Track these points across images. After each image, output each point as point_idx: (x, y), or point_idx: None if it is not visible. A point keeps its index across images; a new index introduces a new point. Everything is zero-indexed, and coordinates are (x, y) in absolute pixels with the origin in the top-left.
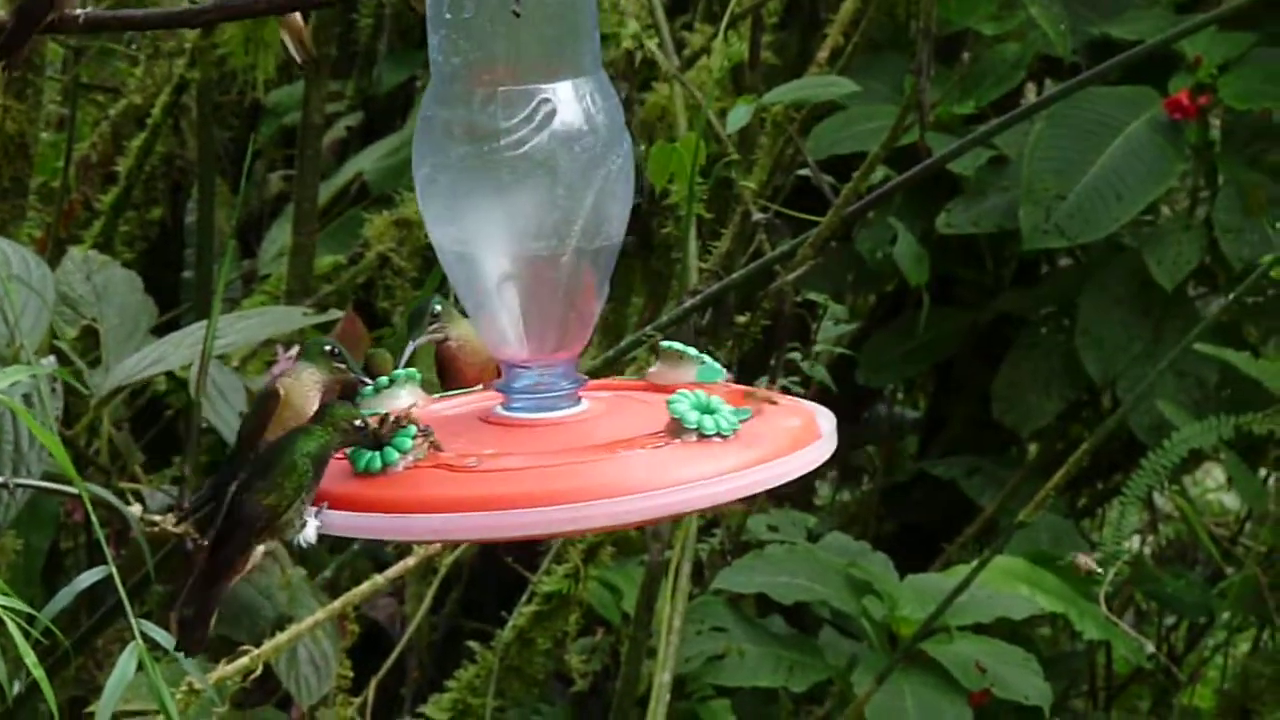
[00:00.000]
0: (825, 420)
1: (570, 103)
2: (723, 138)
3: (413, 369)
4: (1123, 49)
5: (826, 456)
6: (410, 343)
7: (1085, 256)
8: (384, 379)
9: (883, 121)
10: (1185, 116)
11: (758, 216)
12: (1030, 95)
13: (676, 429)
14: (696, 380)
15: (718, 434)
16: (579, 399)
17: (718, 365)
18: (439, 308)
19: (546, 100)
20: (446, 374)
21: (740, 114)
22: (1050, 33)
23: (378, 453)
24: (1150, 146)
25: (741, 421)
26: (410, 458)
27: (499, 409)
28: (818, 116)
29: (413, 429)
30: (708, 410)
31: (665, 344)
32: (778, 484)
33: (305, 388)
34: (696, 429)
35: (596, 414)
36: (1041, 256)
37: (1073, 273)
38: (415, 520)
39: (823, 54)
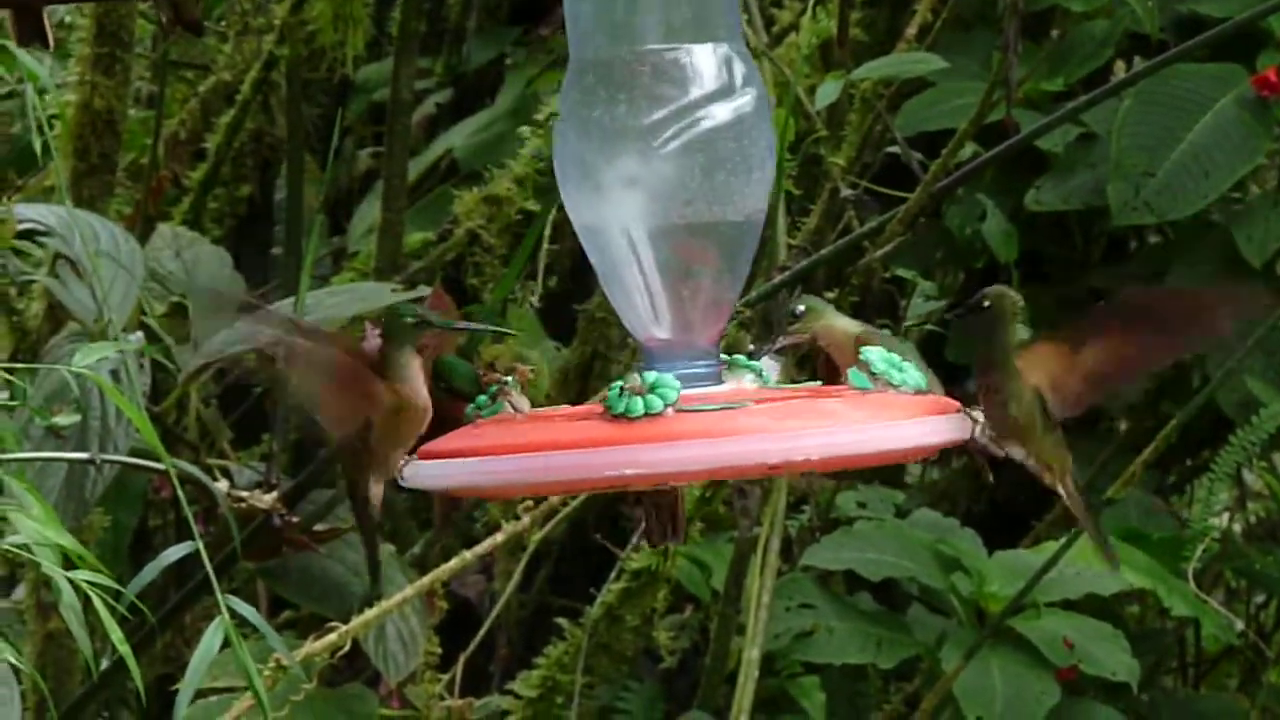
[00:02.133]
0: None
1: (701, 69)
2: (811, 114)
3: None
4: (1211, 26)
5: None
6: (771, 342)
7: (1174, 233)
8: (484, 397)
9: (971, 98)
10: (1273, 93)
11: (846, 193)
12: (1119, 72)
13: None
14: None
15: (625, 414)
16: (720, 379)
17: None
18: (801, 308)
19: (675, 66)
20: (825, 371)
21: (829, 90)
22: (1138, 9)
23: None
24: (1238, 123)
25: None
26: (483, 414)
27: None
28: (906, 93)
29: (494, 389)
30: (654, 388)
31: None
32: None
33: (411, 376)
34: (608, 408)
35: (718, 395)
36: (1130, 233)
37: (1161, 249)
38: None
39: (911, 30)
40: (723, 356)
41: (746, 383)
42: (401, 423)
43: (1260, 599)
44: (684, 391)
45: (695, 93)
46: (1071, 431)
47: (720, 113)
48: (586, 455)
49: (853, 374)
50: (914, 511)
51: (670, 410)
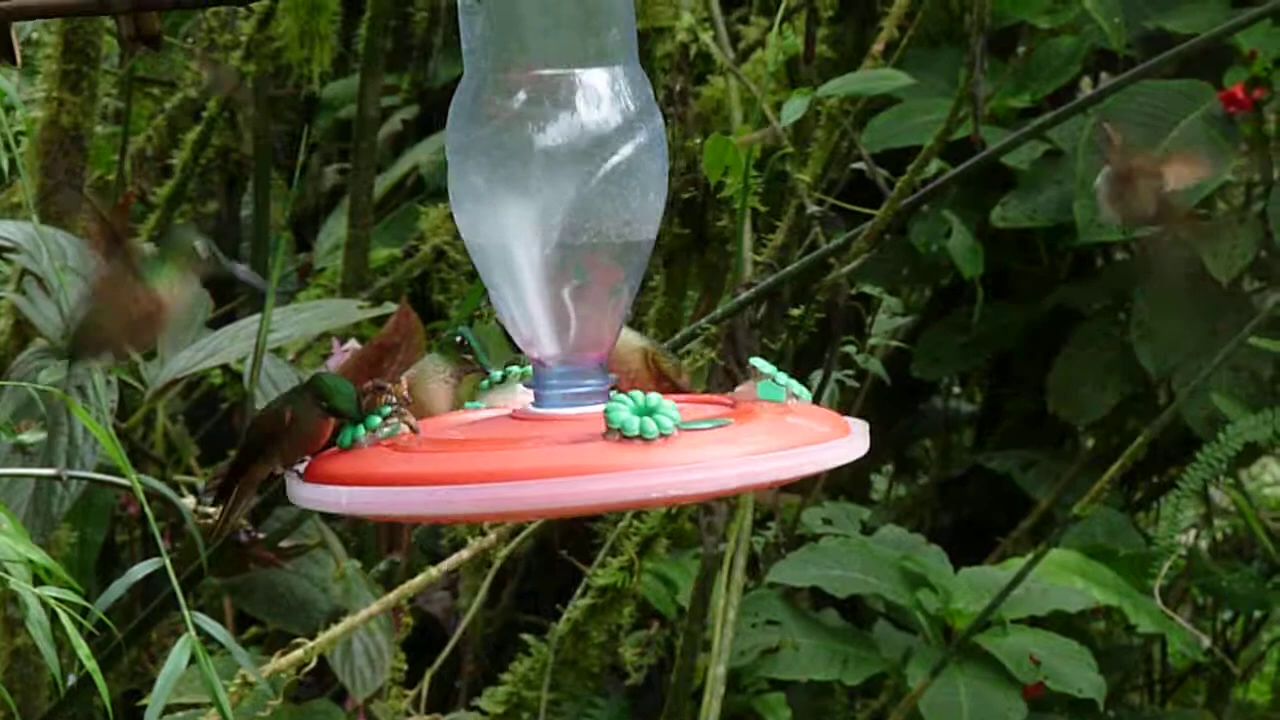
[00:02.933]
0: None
1: (595, 92)
2: (777, 131)
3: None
4: (1178, 42)
5: (731, 480)
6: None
7: (1140, 250)
8: (499, 373)
9: (938, 115)
10: (1240, 110)
11: (812, 210)
12: (1085, 89)
13: (607, 429)
14: (758, 396)
15: (639, 436)
16: (608, 397)
17: (780, 386)
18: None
19: (562, 88)
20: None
21: (795, 107)
22: (1105, 26)
23: (352, 429)
24: (1205, 140)
25: (683, 429)
26: (378, 435)
27: (530, 405)
28: (873, 110)
29: (386, 409)
30: (646, 412)
31: (755, 362)
32: (667, 494)
33: (428, 379)
34: (620, 429)
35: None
36: (1097, 250)
37: (1128, 266)
38: (327, 491)
39: (878, 47)
40: (758, 364)
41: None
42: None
43: (1227, 616)
44: (554, 411)
45: (592, 115)
46: (1038, 448)
47: (616, 135)
48: (628, 479)
49: (763, 387)
50: (880, 528)
51: (677, 431)
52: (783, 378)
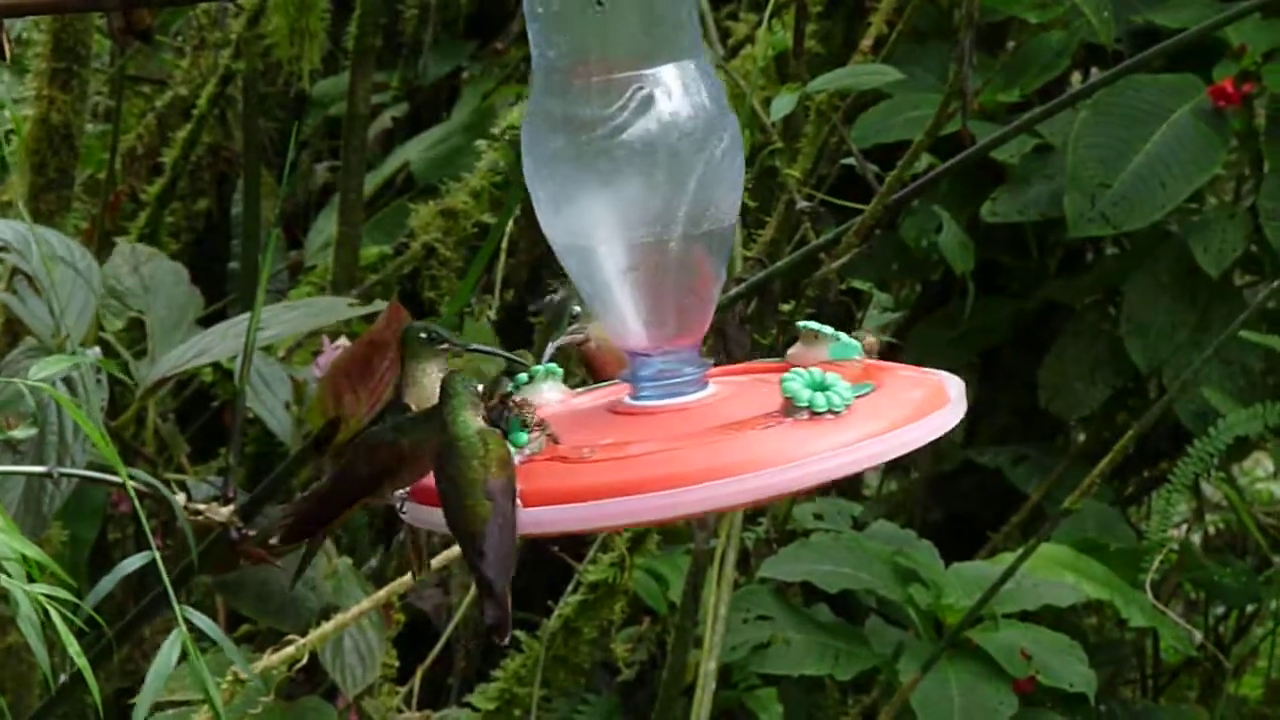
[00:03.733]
0: (954, 388)
1: (669, 87)
2: (767, 126)
3: (554, 364)
4: (1167, 36)
5: (950, 425)
6: (550, 343)
7: (1131, 244)
8: (524, 375)
9: (927, 110)
10: (1230, 104)
11: (802, 205)
12: (1075, 83)
13: (789, 408)
14: (830, 358)
15: (829, 410)
16: (706, 383)
17: (853, 342)
18: (578, 308)
19: (642, 87)
20: (589, 373)
21: (784, 102)
22: (1094, 20)
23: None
24: (1195, 134)
25: (859, 396)
26: (527, 451)
27: (627, 399)
28: (862, 105)
29: (529, 422)
30: (821, 387)
31: (803, 324)
32: (892, 456)
33: (427, 391)
34: (808, 406)
35: (723, 397)
36: (1087, 244)
37: (1118, 260)
38: (528, 514)
39: (867, 42)
40: (808, 325)
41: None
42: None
43: (1220, 610)
44: (657, 403)
45: (667, 110)
46: (1029, 443)
47: (693, 127)
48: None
49: (835, 348)
50: (871, 523)
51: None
52: (828, 330)
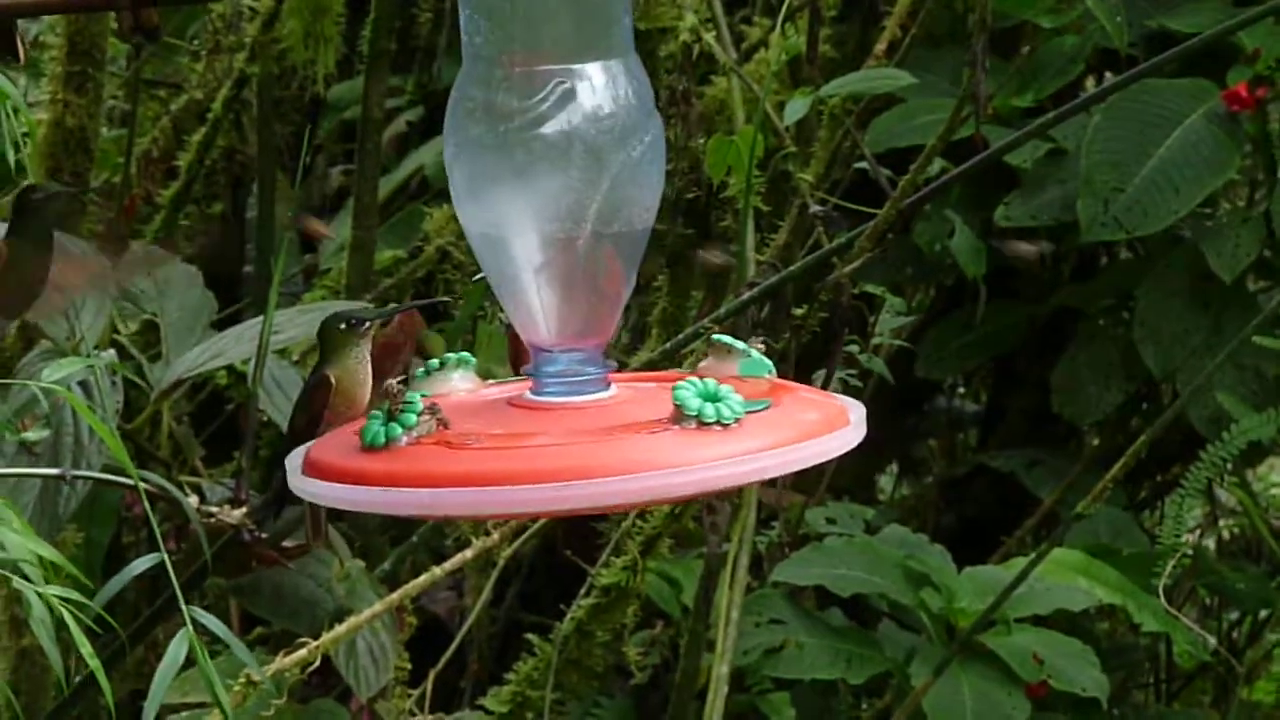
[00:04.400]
0: (855, 412)
1: (593, 84)
2: (780, 130)
3: (466, 353)
4: (1181, 41)
5: (840, 448)
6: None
7: (1144, 249)
8: (435, 361)
9: (941, 114)
10: (1244, 109)
11: (815, 209)
12: (1088, 88)
13: (678, 416)
14: (739, 373)
15: (718, 421)
16: (608, 385)
17: (764, 360)
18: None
19: (562, 81)
20: (518, 361)
21: (798, 107)
22: (1108, 25)
23: (383, 428)
24: (1208, 139)
25: (751, 412)
26: (414, 434)
27: (528, 394)
28: (875, 109)
29: (419, 405)
30: (713, 399)
31: (715, 337)
32: (774, 474)
33: (353, 372)
34: (697, 416)
35: (623, 400)
36: (1100, 249)
37: (1131, 265)
38: (404, 494)
39: (880, 47)
40: (721, 339)
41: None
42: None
43: (1233, 615)
44: (556, 400)
45: (589, 107)
46: (1042, 447)
47: (614, 126)
48: (733, 465)
49: (745, 365)
50: (883, 527)
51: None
52: (740, 345)
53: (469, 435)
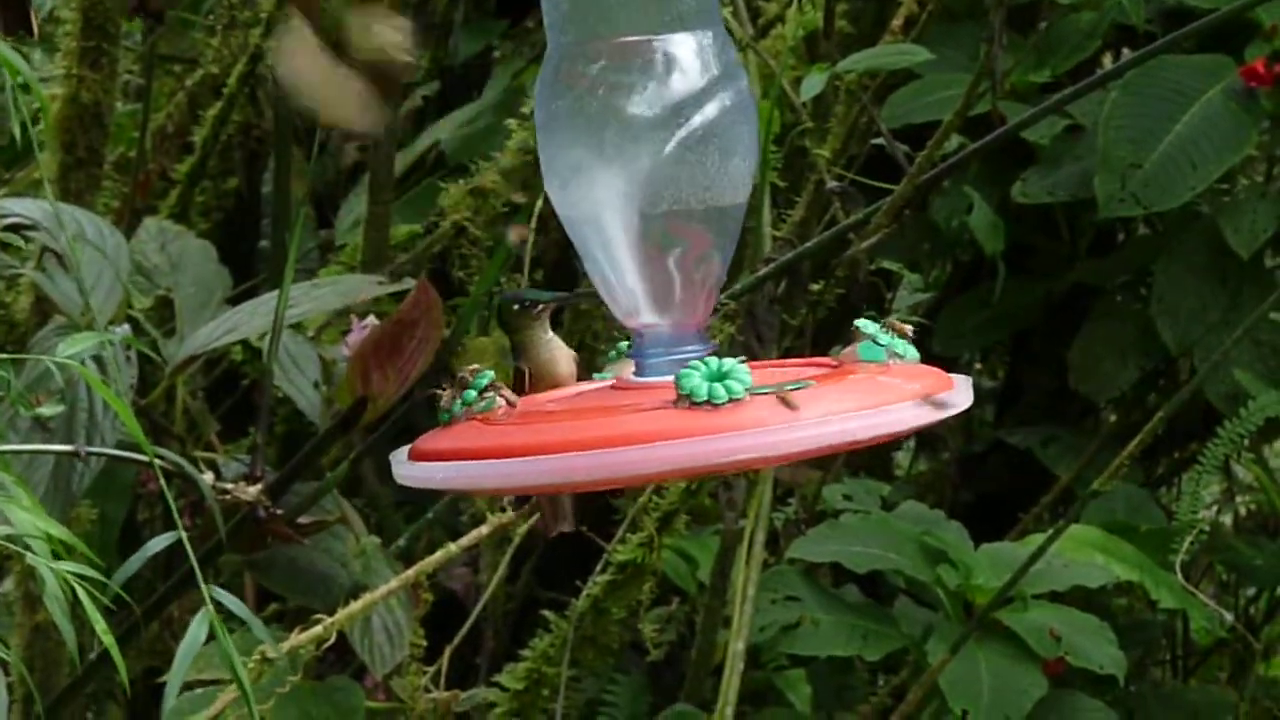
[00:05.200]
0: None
1: (683, 56)
2: (797, 106)
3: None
4: (1198, 17)
5: (832, 438)
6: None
7: (1161, 225)
8: (625, 344)
9: (957, 90)
10: (1261, 84)
11: (832, 185)
12: (1106, 64)
13: (677, 396)
14: (859, 357)
15: (708, 401)
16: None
17: (880, 346)
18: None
19: (646, 55)
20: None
21: (814, 82)
22: (1125, 1)
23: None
24: (1226, 115)
25: (754, 394)
26: (472, 410)
27: (630, 374)
28: (892, 85)
29: (483, 383)
30: (718, 378)
31: (857, 321)
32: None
33: (540, 356)
34: (688, 395)
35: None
36: (1117, 225)
37: (1149, 241)
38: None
39: (897, 22)
40: (862, 325)
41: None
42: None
43: (1250, 592)
44: (653, 380)
45: (682, 81)
46: (1059, 424)
47: (708, 100)
48: (697, 444)
49: (864, 348)
50: (900, 504)
51: (748, 395)
52: (885, 337)
53: (508, 415)
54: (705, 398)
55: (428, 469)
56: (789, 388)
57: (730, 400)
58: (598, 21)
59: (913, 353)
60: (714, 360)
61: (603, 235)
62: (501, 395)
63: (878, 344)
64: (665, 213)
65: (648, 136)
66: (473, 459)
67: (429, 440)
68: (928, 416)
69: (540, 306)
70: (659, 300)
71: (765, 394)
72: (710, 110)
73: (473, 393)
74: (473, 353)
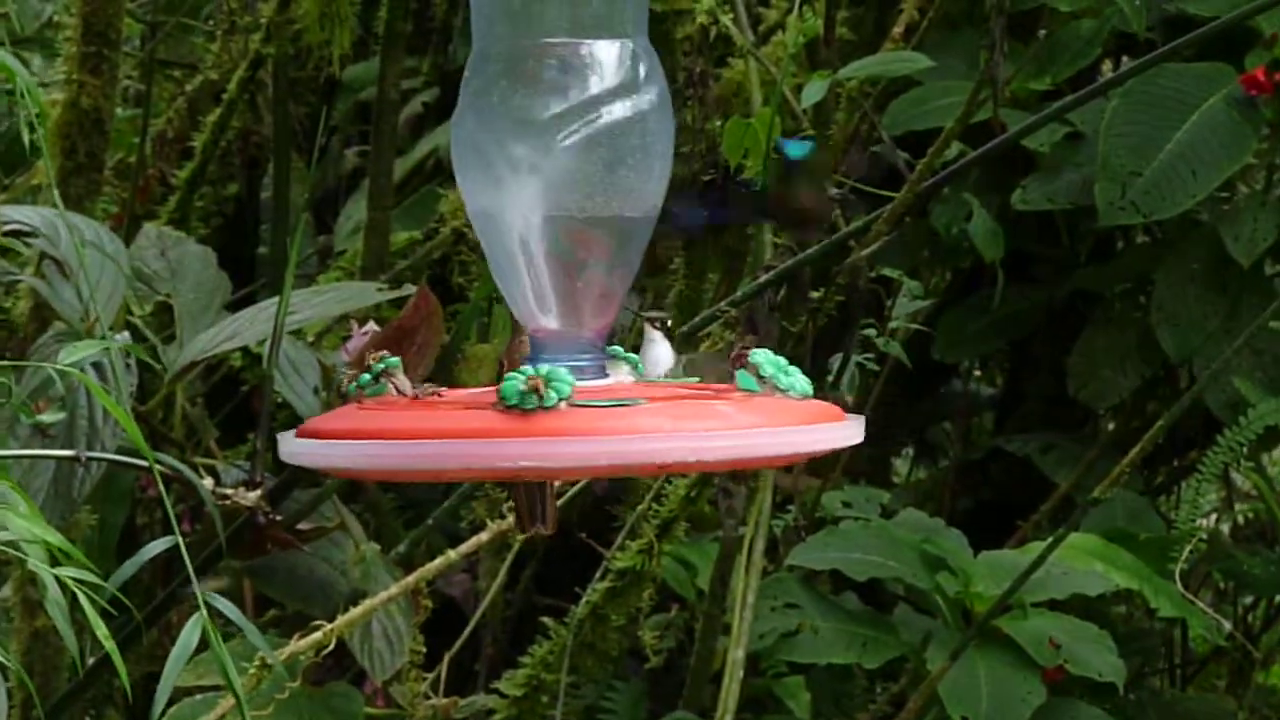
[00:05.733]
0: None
1: (604, 64)
2: (797, 113)
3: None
4: (1199, 25)
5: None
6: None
7: (1161, 233)
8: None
9: (958, 98)
10: (1261, 92)
11: (832, 192)
12: (1106, 71)
13: (498, 401)
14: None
15: (518, 406)
16: (605, 373)
17: (762, 378)
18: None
19: (569, 57)
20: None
21: (815, 89)
22: (1126, 9)
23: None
24: (1226, 123)
25: (573, 405)
26: (364, 392)
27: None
28: (893, 92)
29: (379, 369)
30: (549, 381)
31: (752, 352)
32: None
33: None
34: (503, 399)
35: (612, 389)
36: (1117, 233)
37: (1148, 249)
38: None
39: (898, 29)
40: (606, 349)
41: (624, 375)
42: None
43: (1248, 600)
44: (575, 384)
45: (596, 87)
46: (1058, 431)
47: (620, 109)
48: (480, 445)
49: (740, 376)
50: (900, 511)
51: (564, 404)
52: (772, 368)
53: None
54: (516, 403)
55: (292, 444)
56: (607, 404)
57: (542, 408)
58: (522, 26)
59: (801, 388)
60: (542, 368)
61: (501, 236)
62: (393, 383)
63: (759, 375)
64: (566, 218)
65: (549, 140)
66: (317, 439)
67: (317, 420)
68: (693, 452)
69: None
70: (554, 306)
71: (585, 407)
72: (618, 117)
73: (367, 376)
74: (472, 359)
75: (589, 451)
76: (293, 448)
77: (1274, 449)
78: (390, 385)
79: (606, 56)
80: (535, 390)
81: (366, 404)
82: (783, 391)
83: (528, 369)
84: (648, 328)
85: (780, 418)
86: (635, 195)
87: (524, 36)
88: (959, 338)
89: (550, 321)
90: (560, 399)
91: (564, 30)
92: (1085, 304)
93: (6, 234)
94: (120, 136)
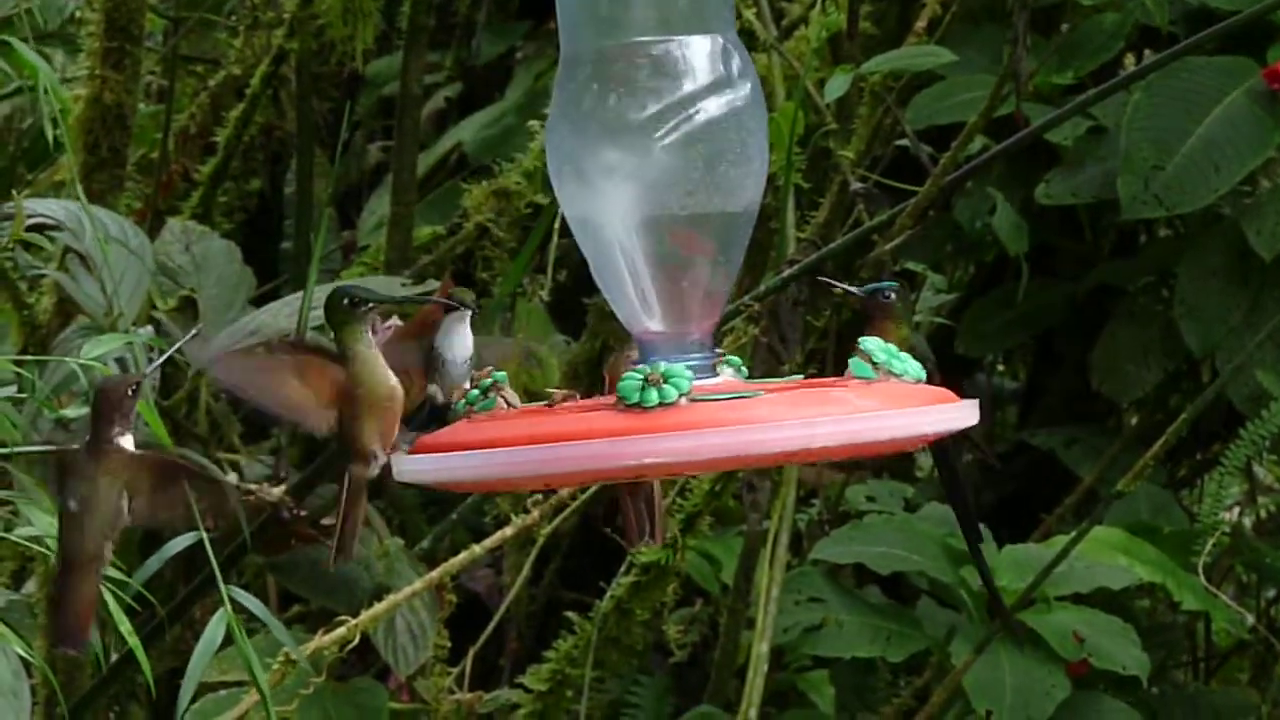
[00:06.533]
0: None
1: (696, 61)
2: (821, 107)
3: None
4: (1221, 19)
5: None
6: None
7: (1184, 227)
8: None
9: (981, 92)
10: None
11: (856, 186)
12: (1128, 65)
13: (618, 401)
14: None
15: (639, 404)
16: (715, 372)
17: (875, 365)
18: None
19: (660, 57)
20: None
21: (838, 84)
22: (1148, 2)
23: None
24: (1248, 117)
25: (693, 400)
26: (473, 409)
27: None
28: (916, 86)
29: (487, 384)
30: (667, 378)
31: (861, 340)
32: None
33: (370, 363)
34: (624, 398)
35: (720, 385)
36: (1140, 227)
37: (1171, 243)
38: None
39: (921, 24)
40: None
41: (730, 376)
42: (364, 405)
43: (1271, 593)
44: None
45: (690, 85)
46: (1082, 425)
47: (715, 105)
48: (603, 445)
49: (854, 363)
50: (923, 505)
51: (684, 400)
52: (884, 354)
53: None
54: (636, 400)
55: (407, 461)
56: (726, 396)
57: (661, 404)
58: (612, 28)
59: (914, 373)
60: (661, 364)
61: (616, 240)
62: (503, 397)
63: (872, 362)
64: (668, 218)
65: (648, 143)
66: (432, 453)
67: (430, 436)
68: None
69: (368, 306)
70: (660, 308)
71: (706, 401)
72: (714, 113)
73: (476, 392)
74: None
75: (713, 444)
76: (408, 465)
77: None
78: (500, 399)
79: (698, 53)
80: (655, 385)
81: (476, 418)
82: (897, 376)
83: (644, 367)
84: (447, 315)
85: (899, 401)
86: (736, 190)
87: (613, 38)
88: (982, 332)
89: (657, 324)
90: (680, 394)
91: (653, 29)
92: (1108, 298)
93: (31, 228)
94: (143, 132)
